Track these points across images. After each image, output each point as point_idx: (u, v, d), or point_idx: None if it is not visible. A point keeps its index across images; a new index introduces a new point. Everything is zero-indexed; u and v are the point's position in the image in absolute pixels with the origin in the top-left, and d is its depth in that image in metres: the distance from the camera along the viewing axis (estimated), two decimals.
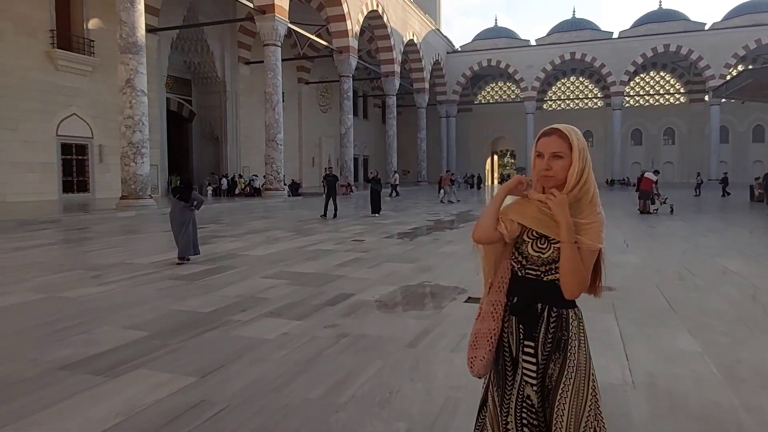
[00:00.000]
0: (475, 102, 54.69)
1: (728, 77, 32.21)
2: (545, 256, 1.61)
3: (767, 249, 9.37)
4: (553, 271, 1.61)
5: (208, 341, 4.12)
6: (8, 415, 2.86)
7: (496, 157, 60.71)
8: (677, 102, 49.27)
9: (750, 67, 37.59)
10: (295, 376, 3.42)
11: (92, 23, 22.00)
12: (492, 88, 54.94)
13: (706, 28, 44.50)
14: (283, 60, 24.92)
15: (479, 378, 1.79)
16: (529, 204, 1.64)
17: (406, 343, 4.09)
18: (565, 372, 1.60)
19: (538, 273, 1.63)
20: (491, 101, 54.75)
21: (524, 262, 1.65)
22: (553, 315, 1.63)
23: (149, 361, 3.66)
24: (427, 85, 43.10)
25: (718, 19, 46.30)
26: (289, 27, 24.13)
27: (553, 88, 52.95)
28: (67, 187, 21.41)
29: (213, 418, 2.83)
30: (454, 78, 49.17)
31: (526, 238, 1.64)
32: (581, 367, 1.61)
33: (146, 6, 19.23)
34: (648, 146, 49.25)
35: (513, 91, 52.73)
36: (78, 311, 5.02)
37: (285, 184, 25.23)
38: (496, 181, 57.21)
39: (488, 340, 1.70)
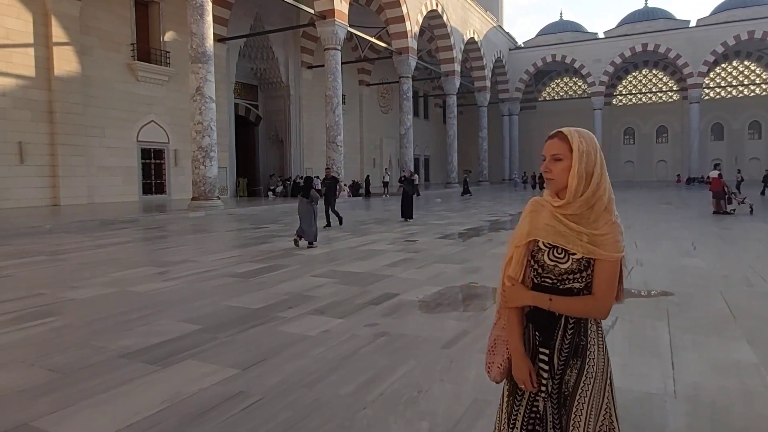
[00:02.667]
0: (539, 99, 53.13)
1: None
2: (563, 266, 1.57)
3: None
4: (571, 281, 1.58)
5: (253, 336, 4.36)
6: (71, 397, 3.18)
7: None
8: (764, 93, 45.45)
9: None
10: (329, 373, 3.55)
11: (168, 36, 23.50)
12: (557, 84, 53.16)
13: None
14: (343, 63, 25.44)
15: (497, 383, 1.79)
16: (543, 209, 1.64)
17: (442, 344, 4.12)
18: (584, 378, 1.58)
19: (555, 281, 1.60)
20: (556, 98, 52.99)
21: (540, 271, 1.63)
22: (571, 322, 1.61)
23: (199, 353, 3.93)
24: (488, 84, 42.39)
25: None
26: (348, 30, 24.58)
27: (624, 82, 50.43)
28: (146, 189, 23.03)
29: (247, 408, 3.01)
30: (516, 75, 48.02)
31: (542, 246, 1.61)
32: (599, 372, 1.59)
33: (215, 17, 20.31)
34: (730, 141, 45.76)
35: (579, 86, 50.77)
36: (143, 305, 5.45)
37: (345, 185, 25.70)
38: None
39: (507, 347, 1.70)
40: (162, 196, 23.60)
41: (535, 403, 1.65)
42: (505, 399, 1.73)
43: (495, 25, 44.56)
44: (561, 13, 52.14)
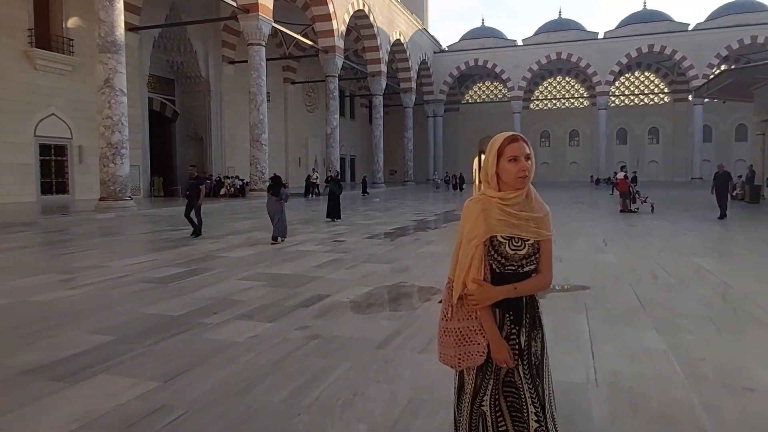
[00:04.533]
0: (463, 102, 54.81)
1: (711, 77, 32.60)
2: (522, 253, 1.80)
3: (742, 247, 9.51)
4: (528, 264, 1.81)
5: (175, 345, 4.08)
6: None
7: (483, 157, 60.89)
8: (661, 102, 49.80)
9: (732, 67, 38.08)
10: (261, 379, 3.40)
11: (71, 22, 21.70)
12: (479, 88, 55.11)
13: (690, 28, 45.00)
14: (268, 59, 24.79)
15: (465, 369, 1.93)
16: (491, 206, 1.80)
17: (376, 345, 4.08)
18: (544, 345, 1.89)
19: (516, 267, 1.81)
20: (478, 101, 54.91)
21: (503, 261, 1.80)
22: (528, 299, 1.86)
23: (113, 366, 3.62)
24: (414, 85, 43.13)
25: (702, 19, 46.69)
26: (273, 26, 24.01)
27: (540, 88, 53.25)
28: (45, 189, 21.06)
29: (171, 423, 2.79)
30: (441, 78, 49.26)
31: (501, 239, 1.79)
32: (545, 342, 1.92)
33: (126, 4, 19.03)
34: (633, 145, 49.71)
35: (500, 90, 52.96)
36: (45, 316, 4.95)
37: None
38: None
39: (482, 335, 1.83)
40: (64, 196, 21.71)
41: (506, 379, 1.84)
42: (471, 374, 1.87)
43: (420, 27, 45.43)
44: (483, 20, 54.07)
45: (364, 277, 6.73)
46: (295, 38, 29.62)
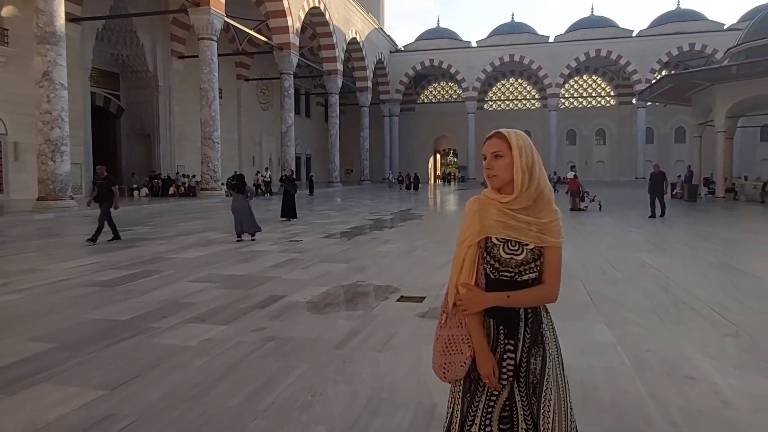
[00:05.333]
0: (418, 101, 55.27)
1: (653, 82, 34.22)
2: (519, 258, 1.63)
3: (682, 243, 10.02)
4: (527, 272, 1.64)
5: (122, 351, 3.90)
6: None
7: (438, 156, 61.70)
8: (608, 104, 51.89)
9: (672, 72, 40.11)
10: (215, 384, 3.29)
11: (6, 11, 20.41)
12: (435, 88, 55.73)
13: (634, 35, 47.11)
14: (220, 55, 24.16)
15: (449, 383, 1.77)
16: (489, 206, 1.67)
17: (334, 345, 4.04)
18: (547, 363, 1.65)
19: (513, 274, 1.65)
20: (434, 101, 55.53)
21: (497, 265, 1.65)
22: (530, 312, 1.67)
23: (55, 375, 3.42)
24: (370, 84, 43.13)
25: (645, 26, 48.95)
26: (225, 21, 23.43)
27: (494, 89, 54.41)
28: None
29: None
30: (397, 77, 49.48)
31: (496, 242, 1.64)
32: (556, 356, 1.69)
33: None
34: (581, 146, 51.57)
35: (455, 91, 53.73)
36: None
37: (222, 184, 24.48)
38: (439, 180, 58.16)
39: (468, 345, 1.69)
40: None
41: (492, 398, 1.66)
42: (458, 395, 1.72)
43: (377, 27, 45.47)
44: (438, 21, 54.89)
45: (320, 277, 6.66)
46: (249, 34, 29.02)
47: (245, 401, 3.05)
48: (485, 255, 1.67)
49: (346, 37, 37.92)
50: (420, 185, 36.25)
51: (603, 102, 52.19)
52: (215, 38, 22.76)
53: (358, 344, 4.06)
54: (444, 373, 1.73)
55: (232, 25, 25.88)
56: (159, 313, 4.93)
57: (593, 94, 52.46)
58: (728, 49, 24.57)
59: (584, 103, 52.73)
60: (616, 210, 17.60)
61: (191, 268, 7.22)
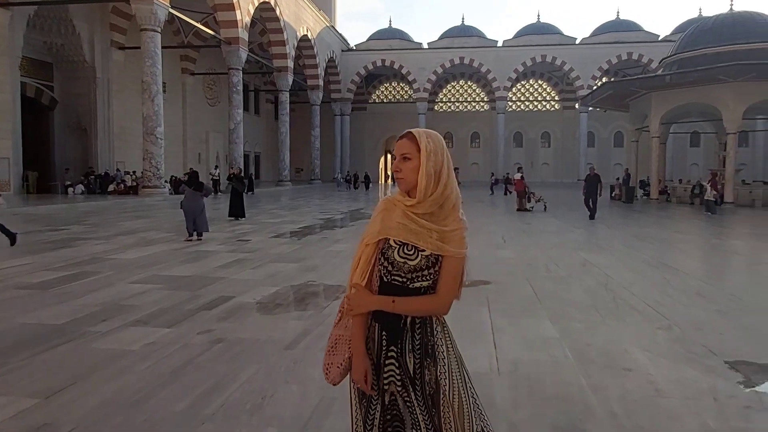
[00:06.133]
0: (370, 101, 55.34)
1: (594, 88, 35.80)
2: (413, 263, 1.58)
3: (620, 242, 10.54)
4: (419, 279, 1.59)
5: (58, 357, 3.69)
6: None
7: (389, 156, 62.01)
8: (552, 109, 53.82)
9: (612, 79, 42.12)
10: (160, 389, 3.17)
11: None
12: (386, 88, 55.96)
13: (577, 42, 49.08)
14: (163, 47, 23.23)
15: (335, 385, 1.74)
16: (395, 208, 1.62)
17: (285, 345, 3.99)
18: (441, 376, 1.59)
19: (404, 280, 1.59)
20: (385, 101, 55.76)
21: (390, 268, 1.60)
22: (418, 321, 1.61)
23: None
24: (321, 83, 42.76)
25: (587, 34, 51.03)
26: (170, 12, 22.60)
27: (444, 91, 55.26)
28: None
29: None
30: (348, 76, 49.33)
31: (393, 244, 1.59)
32: (454, 371, 1.61)
33: None
34: (528, 148, 53.23)
35: (406, 91, 54.17)
36: None
37: (166, 181, 23.60)
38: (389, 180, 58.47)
39: (348, 347, 1.65)
40: None
41: (395, 405, 1.62)
42: (356, 403, 1.68)
43: (328, 25, 45.13)
44: (390, 21, 55.13)
45: (270, 277, 6.56)
46: (195, 26, 28.10)
47: (192, 405, 2.96)
48: (380, 256, 1.62)
49: (298, 34, 37.44)
50: (371, 185, 36.32)
51: (548, 106, 54.07)
52: (159, 29, 21.88)
53: (309, 344, 4.03)
54: (326, 372, 1.69)
55: (177, 16, 25.00)
56: (98, 316, 4.70)
57: (539, 99, 54.27)
58: (662, 59, 26.04)
59: (531, 106, 54.43)
60: (560, 211, 18.30)
61: (132, 269, 6.92)
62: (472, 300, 5.48)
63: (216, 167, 32.32)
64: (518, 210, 17.78)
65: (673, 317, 4.88)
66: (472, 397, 1.65)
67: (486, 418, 1.67)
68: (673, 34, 44.95)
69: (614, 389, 3.25)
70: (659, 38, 46.94)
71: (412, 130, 1.64)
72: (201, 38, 32.65)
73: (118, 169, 26.73)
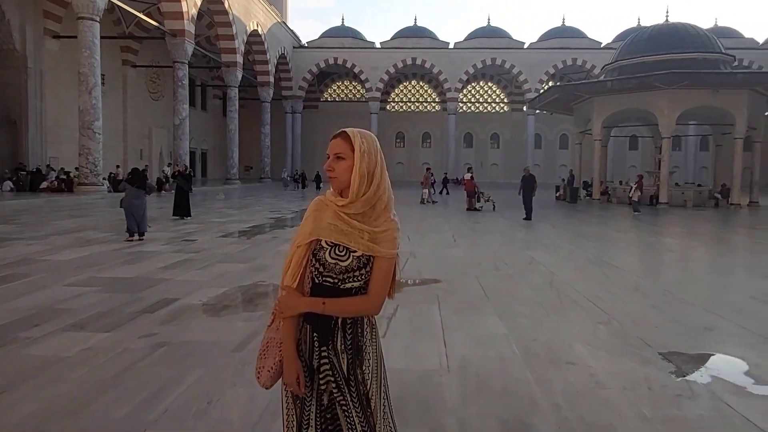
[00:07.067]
0: (322, 99, 54.93)
1: (541, 91, 36.97)
2: (344, 264, 1.57)
3: (564, 240, 10.94)
4: (351, 279, 1.58)
5: None
6: None
7: None
8: (502, 111, 55.26)
9: (558, 84, 43.63)
10: (98, 396, 3.02)
11: None
12: (338, 87, 55.69)
13: (525, 47, 50.57)
14: (103, 38, 22.12)
15: (267, 389, 1.71)
16: (327, 209, 1.62)
17: (232, 348, 3.88)
18: (369, 377, 1.62)
19: (336, 281, 1.59)
20: (337, 99, 55.50)
21: (322, 270, 1.59)
22: (349, 322, 1.61)
23: None
24: (272, 79, 41.99)
25: (535, 39, 52.64)
26: (110, 0, 21.55)
27: (396, 91, 55.59)
28: None
29: None
30: (300, 74, 48.72)
31: (324, 245, 1.58)
32: (374, 372, 1.63)
33: None
34: (478, 149, 54.41)
35: (359, 90, 54.13)
36: None
37: (104, 179, 22.48)
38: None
39: (279, 350, 1.63)
40: None
41: (325, 400, 1.61)
42: (289, 404, 1.65)
43: (279, 20, 44.38)
44: (343, 19, 54.67)
45: (218, 278, 6.38)
46: (137, 17, 26.93)
47: (133, 412, 2.83)
48: (312, 258, 1.61)
49: (247, 28, 36.61)
50: (322, 184, 36.00)
51: (498, 108, 55.45)
52: (97, 18, 20.79)
53: (258, 346, 3.93)
54: (258, 377, 1.67)
55: (118, 5, 23.87)
56: (30, 320, 4.42)
57: (489, 101, 55.58)
58: (604, 66, 27.21)
59: (481, 108, 55.64)
60: (508, 210, 18.79)
61: (68, 271, 6.55)
62: (423, 298, 5.54)
63: (169, 164, 31.05)
64: (468, 210, 18.13)
65: (613, 312, 5.11)
66: (387, 399, 1.67)
67: (394, 423, 1.69)
68: (614, 41, 47.14)
69: (558, 382, 3.36)
70: (601, 45, 49.07)
71: (346, 129, 1.63)
72: (144, 29, 31.32)
73: (48, 165, 25.19)
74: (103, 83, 23.41)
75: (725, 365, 3.78)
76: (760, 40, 48.53)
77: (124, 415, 2.80)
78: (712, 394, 3.24)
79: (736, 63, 26.75)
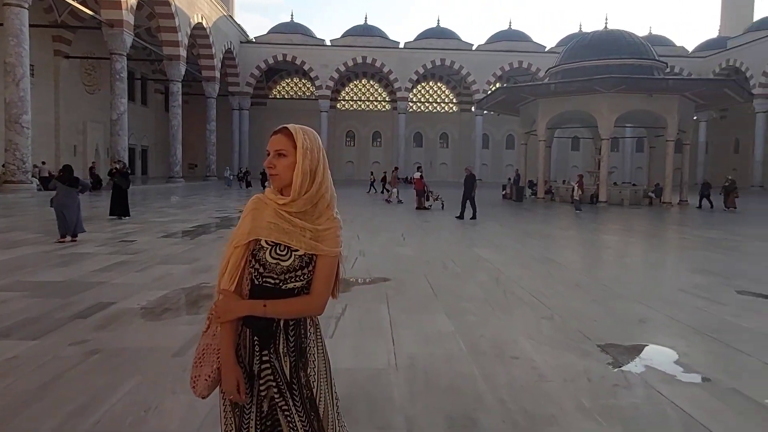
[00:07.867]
0: (270, 96, 53.96)
1: (488, 92, 37.82)
2: (285, 264, 1.52)
3: (511, 239, 11.23)
4: (293, 279, 1.54)
5: None
6: None
7: None
8: (451, 111, 56.18)
9: (504, 85, 44.78)
10: (24, 407, 2.83)
11: None
12: (287, 84, 54.87)
13: (473, 48, 51.57)
14: (32, 26, 20.79)
15: (204, 398, 1.63)
16: (266, 207, 1.56)
17: (173, 353, 3.73)
18: (315, 379, 1.57)
19: (277, 281, 1.53)
20: (286, 97, 54.68)
21: (262, 270, 1.54)
22: (291, 324, 1.56)
23: None
24: (217, 74, 40.77)
25: (483, 41, 53.75)
26: None
27: (347, 89, 55.39)
28: None
29: None
30: (247, 70, 47.62)
31: (264, 245, 1.53)
32: (322, 373, 1.59)
33: None
34: (427, 148, 55.07)
35: (308, 88, 53.53)
36: None
37: (33, 176, 21.16)
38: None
39: (217, 357, 1.55)
40: None
41: (265, 406, 1.56)
42: (227, 412, 1.59)
43: (226, 14, 43.16)
44: (292, 15, 54.03)
45: (158, 280, 6.11)
46: (71, 5, 25.47)
47: (64, 422, 2.66)
48: (251, 258, 1.56)
49: (191, 21, 35.38)
50: (267, 182, 35.37)
51: (447, 108, 56.32)
52: (26, 5, 19.50)
53: None
54: (193, 387, 1.60)
55: None
56: None
57: (438, 100, 56.35)
58: (549, 69, 28.20)
59: (430, 108, 56.34)
60: (457, 209, 19.09)
61: None
62: (372, 297, 5.52)
63: (119, 161, 29.49)
64: (417, 208, 18.29)
65: (555, 307, 5.28)
66: (336, 401, 1.65)
67: (344, 424, 1.68)
68: (557, 46, 48.95)
69: (503, 377, 3.43)
70: (546, 49, 50.74)
71: (287, 125, 1.59)
72: (78, 18, 29.68)
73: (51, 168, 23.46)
74: (32, 74, 22.01)
75: (657, 355, 3.98)
76: (690, 48, 51.78)
77: (53, 426, 2.63)
78: (645, 383, 3.40)
79: (668, 69, 28.42)
